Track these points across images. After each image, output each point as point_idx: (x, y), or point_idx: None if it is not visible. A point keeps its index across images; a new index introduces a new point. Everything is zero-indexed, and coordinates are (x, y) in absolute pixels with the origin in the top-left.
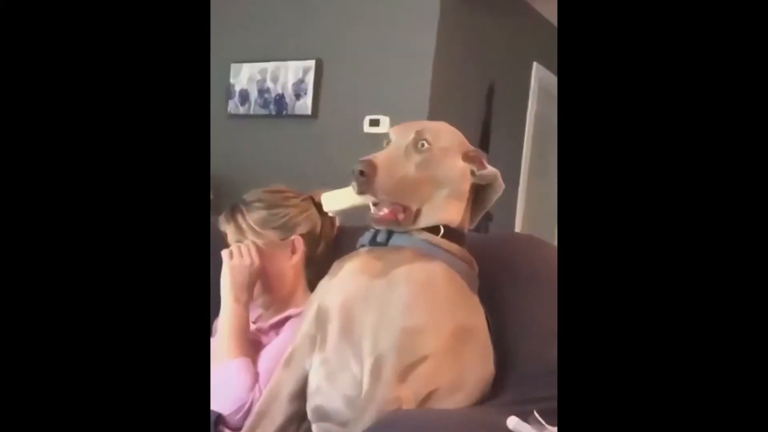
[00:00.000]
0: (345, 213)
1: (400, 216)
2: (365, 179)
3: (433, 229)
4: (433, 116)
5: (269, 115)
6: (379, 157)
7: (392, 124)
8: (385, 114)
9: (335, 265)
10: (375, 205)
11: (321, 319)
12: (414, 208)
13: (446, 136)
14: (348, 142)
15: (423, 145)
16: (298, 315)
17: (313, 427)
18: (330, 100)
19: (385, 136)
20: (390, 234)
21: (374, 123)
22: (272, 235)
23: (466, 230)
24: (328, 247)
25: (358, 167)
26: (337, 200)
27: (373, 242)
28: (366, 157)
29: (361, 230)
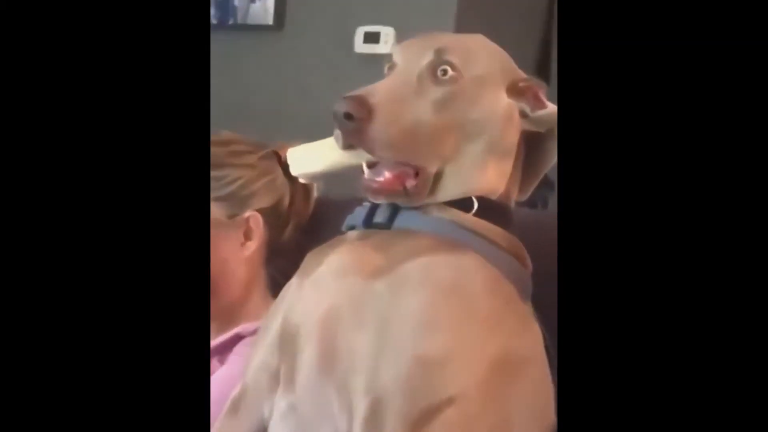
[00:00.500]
0: (325, 178)
1: (410, 183)
2: (355, 126)
3: (463, 204)
4: (462, 27)
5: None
6: (377, 91)
7: (398, 39)
8: (387, 24)
9: (310, 258)
10: (371, 166)
11: (288, 343)
12: (431, 170)
13: (482, 57)
14: (330, 68)
15: (446, 71)
16: (252, 334)
17: None
18: (303, 3)
19: (387, 58)
20: (395, 211)
21: (371, 38)
22: (214, 210)
23: (512, 205)
24: (300, 230)
25: (343, 107)
26: (313, 158)
27: (369, 223)
28: (356, 92)
29: (350, 205)
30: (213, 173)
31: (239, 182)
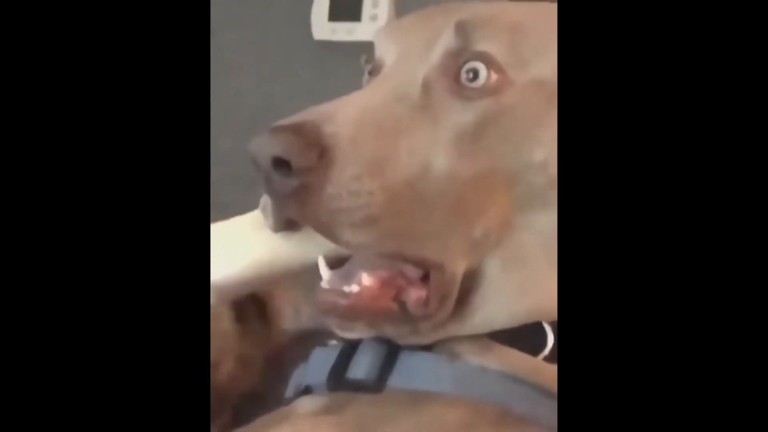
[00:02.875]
0: (247, 290)
1: (414, 296)
2: (297, 185)
3: (524, 336)
4: None
5: None
6: (342, 113)
7: (395, 13)
8: None
9: None
10: (334, 266)
11: None
12: (455, 268)
13: (548, 42)
14: (271, 72)
15: (474, 74)
16: None
17: None
18: None
19: (366, 50)
20: (390, 355)
21: (344, 12)
22: None
23: None
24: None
25: (270, 148)
26: (223, 253)
27: (339, 381)
28: (301, 116)
29: (300, 343)
30: None
31: None
